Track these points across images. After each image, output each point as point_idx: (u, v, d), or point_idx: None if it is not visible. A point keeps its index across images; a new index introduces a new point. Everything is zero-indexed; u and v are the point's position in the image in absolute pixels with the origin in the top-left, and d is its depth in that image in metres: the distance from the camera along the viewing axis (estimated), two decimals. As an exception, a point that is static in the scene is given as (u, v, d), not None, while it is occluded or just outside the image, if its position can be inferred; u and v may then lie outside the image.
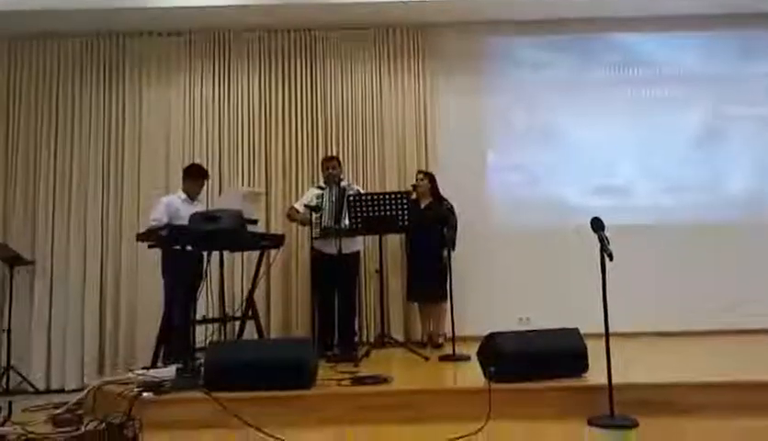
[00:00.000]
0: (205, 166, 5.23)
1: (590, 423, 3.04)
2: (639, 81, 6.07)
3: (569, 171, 5.97)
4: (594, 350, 3.40)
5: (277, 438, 2.96)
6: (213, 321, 4.63)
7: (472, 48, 6.10)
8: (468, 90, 6.05)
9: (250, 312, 4.82)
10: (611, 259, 3.04)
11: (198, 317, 4.48)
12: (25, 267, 5.49)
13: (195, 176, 4.94)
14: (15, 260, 5.32)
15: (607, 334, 3.05)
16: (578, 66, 6.10)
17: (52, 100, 5.89)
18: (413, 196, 5.22)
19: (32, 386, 5.29)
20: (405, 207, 4.58)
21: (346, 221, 4.78)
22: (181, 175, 5.05)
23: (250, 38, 6.01)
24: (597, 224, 3.17)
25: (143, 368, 4.11)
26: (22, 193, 5.75)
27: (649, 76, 6.07)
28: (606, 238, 3.11)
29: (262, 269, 5.00)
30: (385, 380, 3.55)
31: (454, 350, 4.42)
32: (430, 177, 5.39)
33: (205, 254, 4.51)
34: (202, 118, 5.91)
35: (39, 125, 5.84)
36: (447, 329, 4.85)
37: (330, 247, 4.90)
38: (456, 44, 6.09)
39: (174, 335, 4.37)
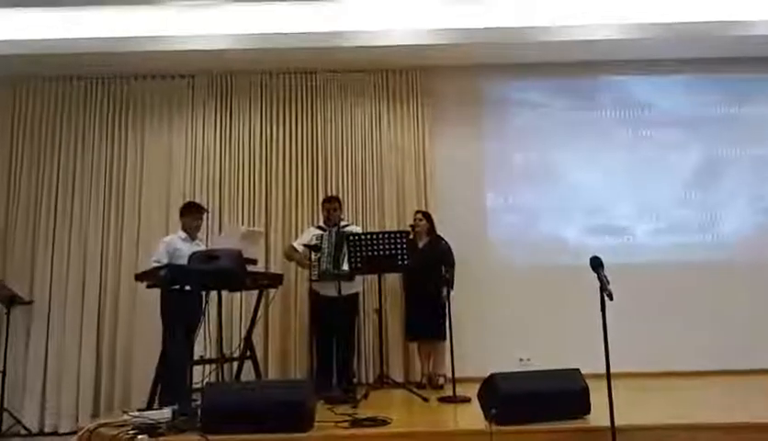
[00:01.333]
0: (205, 206, 5.25)
1: (593, 466, 2.99)
2: (635, 122, 6.17)
3: (567, 211, 6.03)
4: (596, 391, 3.35)
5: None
6: (210, 361, 4.59)
7: (471, 90, 6.21)
8: (467, 131, 6.14)
9: (248, 353, 4.78)
10: (611, 299, 3.03)
11: (196, 357, 4.44)
12: (22, 307, 5.46)
13: (192, 212, 4.94)
14: (12, 300, 5.30)
15: (609, 375, 3.02)
16: (575, 108, 6.20)
17: (55, 142, 5.96)
18: (411, 236, 5.24)
19: (25, 428, 5.22)
20: (404, 246, 4.60)
21: (345, 267, 4.77)
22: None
23: (251, 80, 6.12)
24: (596, 263, 3.17)
25: (139, 410, 4.05)
26: (22, 232, 5.77)
27: (644, 118, 6.17)
28: (606, 277, 3.11)
29: (260, 309, 4.98)
30: (384, 422, 3.50)
31: (454, 391, 4.35)
32: (427, 217, 5.43)
33: (204, 293, 4.49)
34: (203, 158, 5.97)
35: (41, 165, 5.90)
36: (447, 369, 4.80)
37: (328, 289, 4.89)
38: (454, 86, 6.20)
39: (171, 376, 4.32)
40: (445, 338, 4.83)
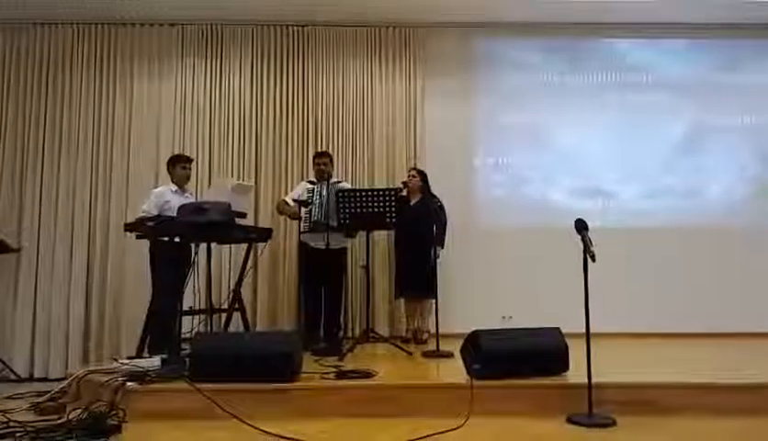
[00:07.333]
0: (195, 158, 5.22)
1: (569, 420, 3.10)
2: (627, 86, 6.16)
3: (555, 173, 6.07)
4: (575, 349, 3.45)
5: (261, 430, 2.99)
6: (200, 312, 4.64)
7: (463, 48, 6.16)
8: (458, 90, 6.11)
9: (236, 305, 4.84)
10: (593, 260, 3.10)
11: (185, 308, 4.48)
12: (10, 255, 5.46)
13: (179, 161, 4.93)
14: (1, 248, 5.29)
15: (588, 334, 3.11)
16: (566, 70, 6.18)
17: (42, 88, 5.85)
18: (404, 192, 5.24)
19: (15, 373, 5.27)
20: (393, 204, 4.59)
21: (334, 223, 4.79)
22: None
23: (243, 31, 6.00)
24: (581, 225, 3.22)
25: (128, 358, 4.12)
26: (8, 181, 5.72)
27: (636, 82, 6.17)
28: (590, 239, 3.16)
29: (249, 262, 5.02)
30: (369, 375, 3.58)
31: (438, 346, 4.45)
32: (422, 175, 5.39)
33: (193, 245, 4.51)
34: (193, 110, 5.90)
35: (27, 112, 5.80)
36: (431, 325, 4.89)
37: (318, 241, 4.93)
38: (446, 44, 6.14)
39: (160, 326, 4.37)
40: (433, 296, 4.83)
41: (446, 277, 5.36)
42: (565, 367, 3.57)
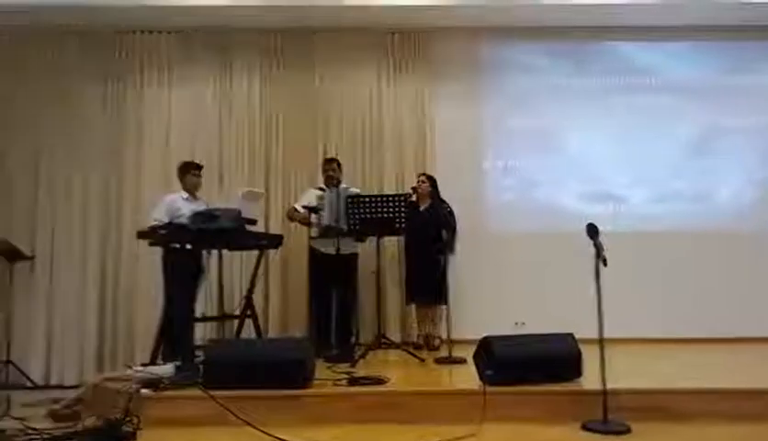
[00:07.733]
0: (205, 166, 5.24)
1: (583, 427, 3.09)
2: (633, 89, 6.12)
3: (564, 176, 6.04)
4: (589, 355, 3.43)
5: (274, 437, 3.00)
6: (212, 319, 4.67)
7: (471, 53, 6.15)
8: (466, 94, 6.11)
9: (248, 311, 4.85)
10: (605, 265, 3.09)
11: (197, 315, 4.51)
12: (25, 263, 5.50)
13: (188, 170, 4.95)
14: (15, 255, 5.34)
15: (602, 340, 3.10)
16: (573, 73, 6.16)
17: (54, 96, 5.90)
18: (413, 198, 5.23)
19: (31, 381, 5.31)
20: (403, 209, 4.59)
21: (344, 227, 4.80)
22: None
23: (252, 38, 6.04)
24: (592, 230, 3.21)
25: (142, 365, 4.14)
26: (24, 189, 5.76)
27: (642, 85, 6.14)
28: (601, 244, 3.15)
29: (260, 269, 5.03)
30: (381, 381, 3.58)
31: (450, 352, 4.43)
32: (431, 180, 5.38)
33: (204, 252, 4.54)
34: (203, 117, 5.94)
35: (41, 120, 5.85)
36: (443, 331, 4.88)
37: (329, 247, 4.94)
38: (453, 49, 6.14)
39: (173, 333, 4.40)
40: (444, 302, 4.82)
41: (457, 283, 5.34)
42: (578, 373, 3.55)
